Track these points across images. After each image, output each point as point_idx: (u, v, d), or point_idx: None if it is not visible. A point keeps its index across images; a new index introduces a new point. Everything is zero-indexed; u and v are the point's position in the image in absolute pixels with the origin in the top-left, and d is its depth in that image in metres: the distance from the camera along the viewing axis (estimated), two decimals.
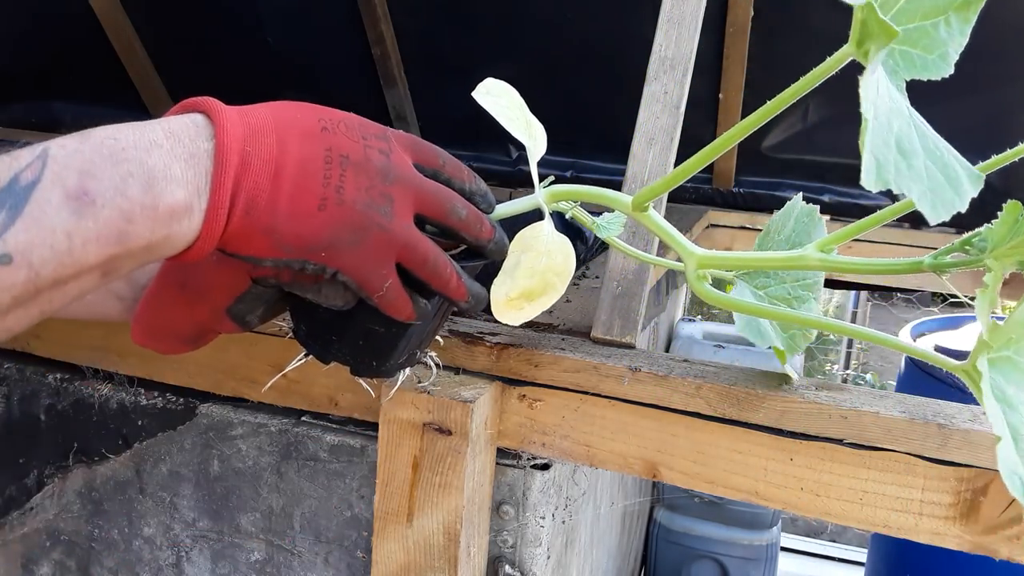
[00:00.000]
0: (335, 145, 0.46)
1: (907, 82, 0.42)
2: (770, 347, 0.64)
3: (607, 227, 0.64)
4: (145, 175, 0.41)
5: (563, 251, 0.58)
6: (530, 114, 0.61)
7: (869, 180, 0.36)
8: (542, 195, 0.58)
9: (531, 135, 0.60)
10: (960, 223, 0.43)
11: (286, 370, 0.64)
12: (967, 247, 0.43)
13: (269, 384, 0.73)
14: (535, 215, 0.59)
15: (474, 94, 0.58)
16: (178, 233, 0.42)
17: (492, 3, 1.63)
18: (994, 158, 0.46)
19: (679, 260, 0.59)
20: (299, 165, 0.45)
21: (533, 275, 0.57)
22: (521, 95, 0.61)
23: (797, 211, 0.62)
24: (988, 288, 0.40)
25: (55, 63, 1.94)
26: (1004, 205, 0.41)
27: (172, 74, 1.92)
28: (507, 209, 0.57)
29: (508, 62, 1.72)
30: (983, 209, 0.46)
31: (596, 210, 0.60)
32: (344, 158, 0.46)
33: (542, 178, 0.60)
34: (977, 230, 0.43)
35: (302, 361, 0.61)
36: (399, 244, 0.48)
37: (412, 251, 0.48)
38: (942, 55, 0.37)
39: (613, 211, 0.62)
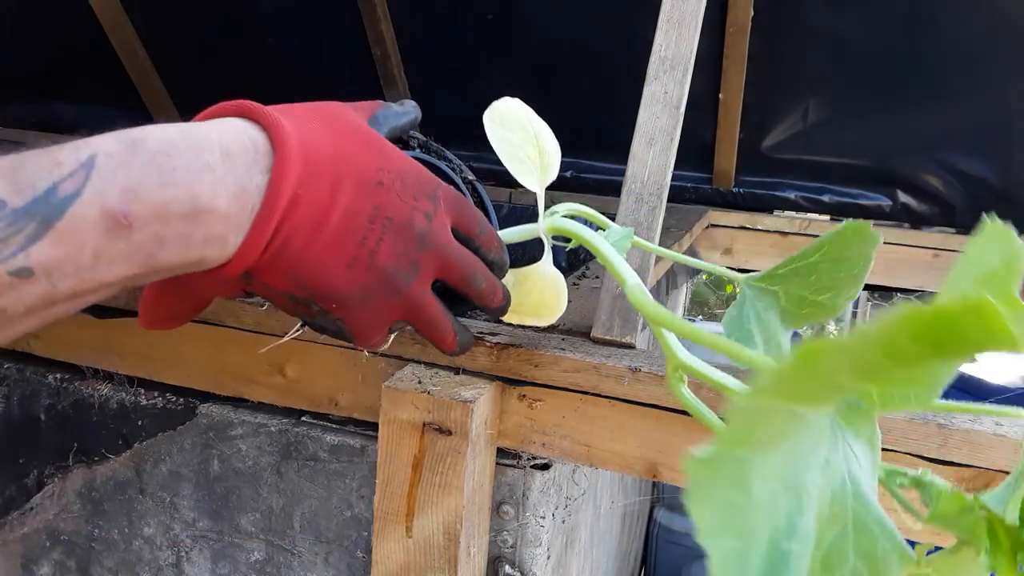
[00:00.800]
0: (384, 204, 0.45)
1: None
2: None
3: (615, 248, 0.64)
4: (190, 203, 0.38)
5: (555, 288, 0.60)
6: (546, 138, 0.59)
7: None
8: (543, 227, 0.58)
9: (542, 166, 0.59)
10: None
11: (283, 340, 0.66)
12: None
13: (266, 349, 0.73)
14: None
15: (485, 119, 0.57)
16: (206, 260, 0.41)
17: (492, 3, 1.63)
18: None
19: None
20: (343, 220, 0.43)
21: (522, 311, 0.60)
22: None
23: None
24: None
25: (55, 63, 1.94)
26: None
27: (172, 74, 1.92)
28: (505, 237, 0.57)
29: (508, 62, 1.73)
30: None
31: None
32: (388, 221, 0.45)
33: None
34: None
35: (299, 332, 0.64)
36: (407, 308, 0.48)
37: (417, 314, 0.49)
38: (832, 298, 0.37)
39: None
